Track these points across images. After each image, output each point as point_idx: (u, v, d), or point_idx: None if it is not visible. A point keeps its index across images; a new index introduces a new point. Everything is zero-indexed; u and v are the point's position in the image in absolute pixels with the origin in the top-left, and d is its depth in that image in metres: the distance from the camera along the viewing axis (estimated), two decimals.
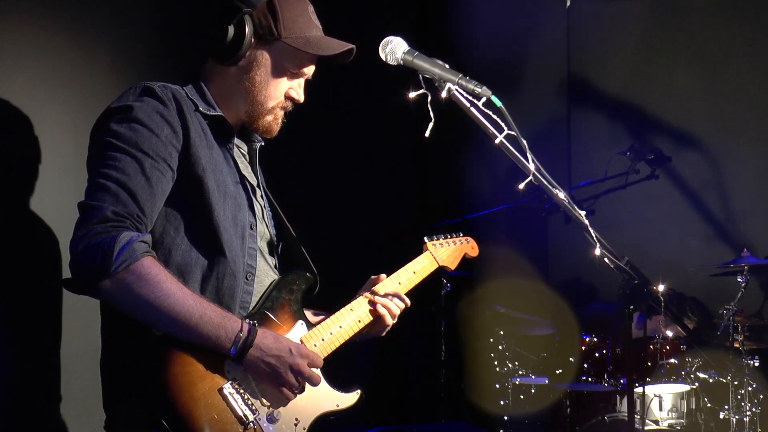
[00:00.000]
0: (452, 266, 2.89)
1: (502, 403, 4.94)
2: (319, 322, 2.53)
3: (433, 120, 2.22)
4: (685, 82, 5.89)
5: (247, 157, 2.61)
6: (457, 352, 4.91)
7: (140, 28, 3.42)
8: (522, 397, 5.00)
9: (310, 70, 2.55)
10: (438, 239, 2.89)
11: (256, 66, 2.46)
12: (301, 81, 2.55)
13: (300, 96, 2.55)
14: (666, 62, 5.95)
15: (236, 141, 2.55)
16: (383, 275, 2.67)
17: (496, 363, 4.98)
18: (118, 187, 2.21)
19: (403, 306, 2.65)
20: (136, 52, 3.37)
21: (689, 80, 5.89)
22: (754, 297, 5.42)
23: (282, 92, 2.50)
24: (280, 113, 2.53)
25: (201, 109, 2.42)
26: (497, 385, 4.97)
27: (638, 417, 3.60)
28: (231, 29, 2.41)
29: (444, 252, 2.87)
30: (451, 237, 2.93)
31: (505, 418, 4.94)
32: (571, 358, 4.71)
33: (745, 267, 4.77)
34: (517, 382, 5.00)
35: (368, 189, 4.95)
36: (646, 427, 4.43)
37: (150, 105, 2.31)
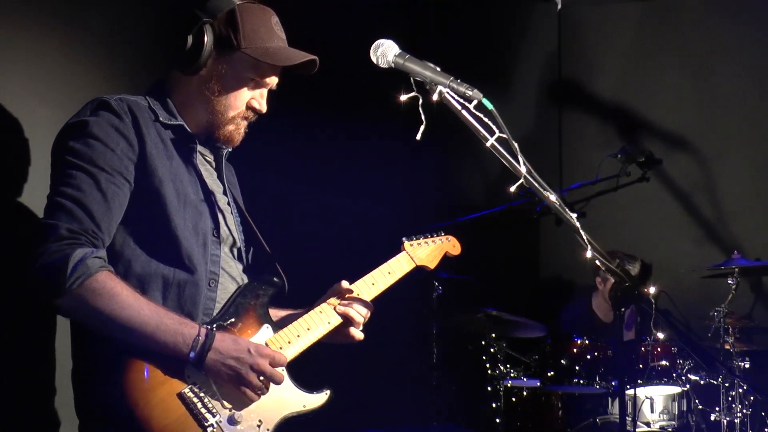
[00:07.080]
0: (432, 265, 2.88)
1: (494, 405, 4.94)
2: (285, 321, 2.53)
3: (424, 123, 2.22)
4: (676, 85, 5.91)
5: (213, 164, 2.62)
6: (449, 355, 4.91)
7: (133, 31, 3.41)
8: (514, 399, 5.00)
9: (272, 81, 2.55)
10: (417, 239, 2.88)
11: (216, 76, 2.47)
12: (264, 91, 2.56)
13: (262, 106, 2.55)
14: (657, 65, 5.97)
15: (200, 149, 2.56)
16: (345, 282, 2.64)
17: (488, 365, 4.98)
18: (73, 204, 2.24)
19: (368, 312, 2.63)
20: (130, 54, 3.37)
21: (680, 83, 5.91)
22: (745, 299, 5.44)
23: (243, 102, 2.51)
24: (243, 123, 2.54)
25: (161, 119, 2.44)
26: (489, 388, 4.97)
27: (630, 419, 3.61)
28: (190, 39, 2.42)
29: (422, 251, 2.86)
30: (431, 236, 2.92)
31: (497, 420, 4.93)
32: (563, 361, 4.71)
33: (736, 269, 4.79)
34: (509, 385, 5.00)
35: (358, 192, 4.95)
36: (637, 429, 4.44)
37: (105, 119, 2.33)
